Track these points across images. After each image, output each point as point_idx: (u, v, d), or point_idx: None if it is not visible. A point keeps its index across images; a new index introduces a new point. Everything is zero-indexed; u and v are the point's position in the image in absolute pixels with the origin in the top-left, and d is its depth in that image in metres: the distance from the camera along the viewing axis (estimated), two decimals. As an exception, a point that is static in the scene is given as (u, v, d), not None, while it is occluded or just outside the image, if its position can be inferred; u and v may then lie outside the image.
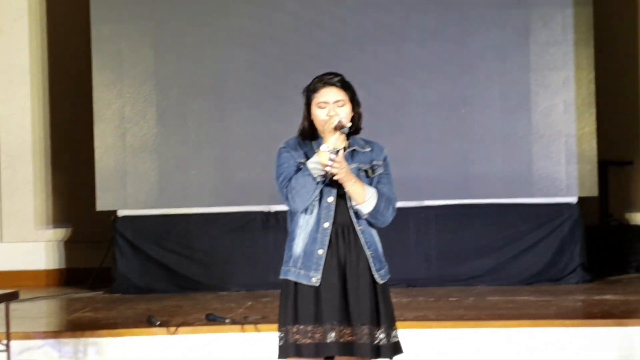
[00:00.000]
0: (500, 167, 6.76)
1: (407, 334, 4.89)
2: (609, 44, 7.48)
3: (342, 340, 3.36)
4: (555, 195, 6.75)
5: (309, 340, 3.36)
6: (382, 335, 3.39)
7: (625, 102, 7.64)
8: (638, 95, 7.66)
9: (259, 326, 5.10)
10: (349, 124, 3.41)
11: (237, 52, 6.95)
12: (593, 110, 6.76)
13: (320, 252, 3.38)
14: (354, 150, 3.46)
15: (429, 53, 6.83)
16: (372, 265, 3.41)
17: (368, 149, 3.47)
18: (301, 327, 3.38)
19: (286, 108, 6.83)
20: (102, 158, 6.96)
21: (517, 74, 6.78)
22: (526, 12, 6.76)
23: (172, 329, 5.11)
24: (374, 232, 3.48)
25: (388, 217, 3.46)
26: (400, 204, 6.98)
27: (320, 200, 3.40)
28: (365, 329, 3.37)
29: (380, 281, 3.41)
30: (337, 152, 3.37)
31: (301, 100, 7.41)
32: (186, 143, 6.95)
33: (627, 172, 7.66)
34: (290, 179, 3.40)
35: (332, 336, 3.36)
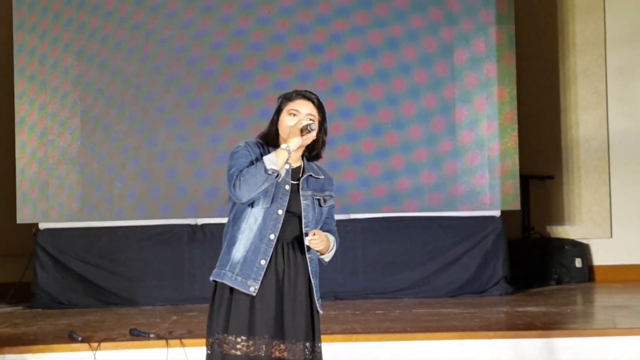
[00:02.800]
0: (425, 181, 6.84)
1: (335, 347, 4.91)
2: (531, 61, 7.67)
3: (274, 355, 3.34)
4: (479, 209, 6.86)
5: (238, 352, 3.32)
6: (313, 351, 3.39)
7: (546, 119, 7.84)
8: (558, 111, 7.87)
9: (184, 341, 5.03)
10: (315, 128, 3.39)
11: (162, 64, 6.89)
12: (515, 126, 6.90)
13: (263, 262, 3.35)
14: (309, 175, 3.47)
15: (356, 68, 6.89)
16: (315, 294, 3.42)
17: (321, 176, 3.50)
18: (230, 337, 3.34)
19: (212, 121, 6.82)
20: (24, 170, 6.81)
21: (442, 90, 6.88)
22: (451, 29, 6.88)
23: (95, 344, 5.01)
24: (318, 262, 3.50)
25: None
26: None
27: (269, 209, 3.37)
28: (300, 346, 3.36)
29: (320, 310, 3.43)
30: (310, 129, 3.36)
31: (226, 114, 7.44)
32: (110, 155, 6.85)
33: (548, 186, 7.85)
34: (242, 170, 3.35)
35: (263, 350, 3.33)
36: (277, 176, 3.33)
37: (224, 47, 6.85)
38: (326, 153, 7.07)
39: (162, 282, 6.73)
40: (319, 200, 3.46)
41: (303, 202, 3.41)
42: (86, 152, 6.84)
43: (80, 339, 5.10)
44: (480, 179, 6.85)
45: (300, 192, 3.43)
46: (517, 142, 6.90)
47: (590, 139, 7.80)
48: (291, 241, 3.40)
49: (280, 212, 3.38)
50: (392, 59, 6.89)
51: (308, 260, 3.40)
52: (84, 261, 6.79)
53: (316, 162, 3.53)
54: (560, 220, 7.84)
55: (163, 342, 5.04)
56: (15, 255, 7.24)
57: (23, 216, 6.82)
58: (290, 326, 3.35)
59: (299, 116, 3.41)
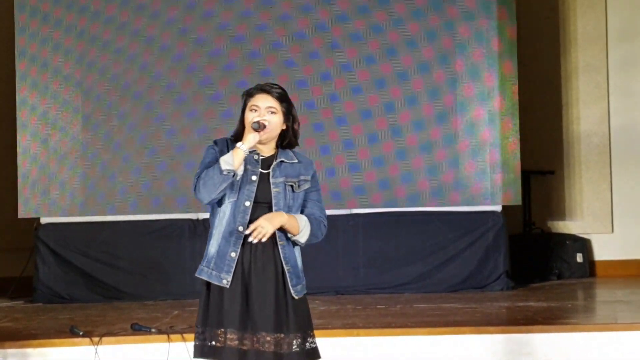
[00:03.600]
0: (426, 176, 6.84)
1: (336, 342, 4.92)
2: (532, 56, 7.66)
3: (242, 347, 3.37)
4: (480, 203, 6.86)
5: (217, 344, 3.39)
6: (294, 343, 3.40)
7: (547, 113, 7.83)
8: (560, 106, 7.86)
9: (186, 336, 5.03)
10: (268, 129, 3.42)
11: (164, 59, 6.89)
12: (517, 120, 6.90)
13: (233, 254, 3.40)
14: (281, 161, 3.48)
15: (357, 61, 6.88)
16: (288, 280, 3.42)
17: (295, 161, 3.50)
18: (208, 329, 3.41)
19: (213, 115, 6.82)
20: (25, 164, 6.81)
21: (443, 84, 6.88)
22: (453, 24, 6.87)
23: (96, 339, 5.01)
24: (296, 248, 3.49)
25: (320, 236, 3.51)
26: (328, 212, 6.97)
27: (236, 202, 3.41)
28: (267, 337, 3.38)
29: (295, 296, 3.42)
30: (263, 125, 3.39)
31: (228, 108, 7.45)
32: (112, 149, 6.85)
33: (549, 181, 7.85)
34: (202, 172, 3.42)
35: (233, 341, 3.38)
36: (234, 175, 3.37)
37: (223, 54, 6.85)
38: (326, 147, 7.07)
39: (163, 277, 6.73)
40: (292, 185, 3.46)
41: (273, 190, 3.43)
42: (88, 147, 6.84)
43: (81, 333, 5.10)
44: (481, 174, 6.84)
45: (271, 180, 3.44)
46: (519, 136, 6.89)
47: (592, 134, 7.80)
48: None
49: (247, 203, 3.41)
50: (394, 54, 6.88)
51: (280, 247, 3.42)
52: (85, 256, 6.79)
53: (294, 149, 3.54)
54: (561, 215, 7.84)
55: (164, 336, 5.04)
56: (16, 250, 7.24)
57: (24, 210, 6.82)
58: (258, 318, 3.37)
59: (259, 111, 3.44)
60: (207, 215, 6.82)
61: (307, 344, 3.42)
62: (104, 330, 5.23)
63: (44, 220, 6.84)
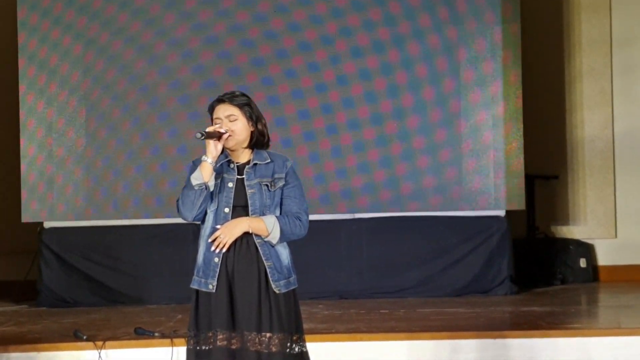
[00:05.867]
0: (430, 181, 6.84)
1: (339, 347, 4.91)
2: (536, 61, 7.66)
3: (231, 346, 3.44)
4: (484, 208, 6.85)
5: (205, 347, 3.47)
6: (278, 343, 3.44)
7: (552, 118, 7.83)
8: (564, 111, 7.86)
9: (189, 340, 5.03)
10: (225, 133, 3.50)
11: (166, 63, 6.90)
12: (520, 125, 6.90)
13: (216, 260, 3.49)
14: (255, 164, 3.55)
15: (361, 67, 6.89)
16: (270, 276, 3.48)
17: (269, 161, 3.56)
18: (198, 332, 3.50)
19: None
20: (29, 168, 6.82)
21: (448, 89, 6.88)
22: (456, 28, 6.88)
23: (100, 343, 5.02)
24: (280, 244, 3.53)
25: (300, 232, 3.54)
26: (331, 217, 7.00)
27: (216, 210, 3.50)
28: (251, 336, 3.44)
29: (277, 291, 3.47)
30: (222, 133, 3.49)
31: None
32: (115, 154, 6.86)
33: (553, 186, 7.84)
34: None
35: (222, 341, 3.45)
36: (206, 188, 3.47)
37: (231, 47, 6.87)
38: (330, 152, 7.06)
39: (167, 281, 6.73)
40: (267, 185, 3.52)
41: (249, 192, 3.51)
42: (91, 151, 6.86)
43: (85, 337, 5.11)
44: (485, 179, 6.84)
45: (246, 183, 3.52)
46: (523, 141, 6.89)
47: (596, 138, 7.79)
48: (243, 235, 3.48)
49: (226, 210, 3.50)
50: (398, 60, 6.88)
51: (258, 245, 3.48)
52: (89, 260, 6.80)
53: (269, 149, 3.61)
54: (565, 220, 7.83)
55: (168, 341, 5.05)
56: (20, 253, 7.25)
57: (28, 215, 6.83)
58: (242, 317, 3.45)
59: (222, 122, 3.54)
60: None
61: (294, 345, 3.47)
62: (107, 335, 5.23)
63: (47, 224, 6.86)
